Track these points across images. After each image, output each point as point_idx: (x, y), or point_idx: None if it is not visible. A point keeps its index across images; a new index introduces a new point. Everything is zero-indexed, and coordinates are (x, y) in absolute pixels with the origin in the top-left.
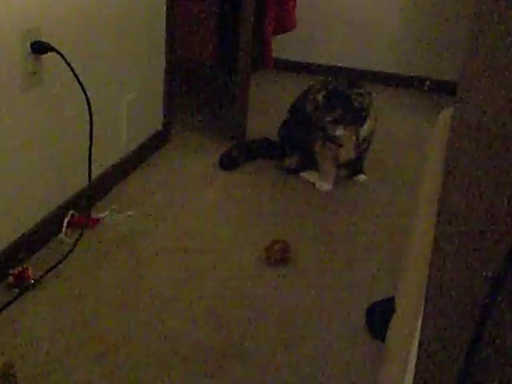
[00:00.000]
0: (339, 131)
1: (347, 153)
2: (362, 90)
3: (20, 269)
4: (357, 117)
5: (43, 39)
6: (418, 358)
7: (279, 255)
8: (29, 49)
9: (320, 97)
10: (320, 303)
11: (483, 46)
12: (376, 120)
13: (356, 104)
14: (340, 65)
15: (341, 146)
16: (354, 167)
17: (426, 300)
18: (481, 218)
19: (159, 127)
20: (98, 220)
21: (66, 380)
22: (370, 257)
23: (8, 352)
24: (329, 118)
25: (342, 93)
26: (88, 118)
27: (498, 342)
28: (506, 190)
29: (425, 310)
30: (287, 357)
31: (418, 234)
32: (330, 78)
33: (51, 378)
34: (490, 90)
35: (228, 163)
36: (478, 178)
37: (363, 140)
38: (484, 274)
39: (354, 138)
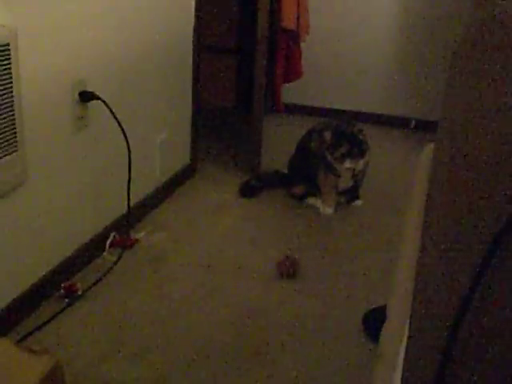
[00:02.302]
0: (347, 164)
1: (345, 182)
2: (360, 127)
3: (70, 283)
4: (361, 150)
5: (89, 89)
6: (405, 358)
7: (289, 270)
8: (77, 97)
9: (327, 136)
10: (325, 311)
11: (460, 87)
12: (369, 155)
13: (361, 138)
14: (337, 107)
15: (339, 176)
16: (352, 194)
17: (412, 310)
18: (461, 232)
19: (187, 162)
20: (136, 240)
21: (107, 378)
22: (368, 271)
23: (57, 354)
24: (337, 154)
25: (346, 131)
26: (127, 154)
27: (475, 340)
28: (477, 211)
29: (411, 319)
30: (296, 357)
31: (405, 254)
32: (328, 120)
33: (95, 375)
34: (464, 128)
35: (247, 192)
36: (454, 202)
37: (359, 171)
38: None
39: (352, 169)
